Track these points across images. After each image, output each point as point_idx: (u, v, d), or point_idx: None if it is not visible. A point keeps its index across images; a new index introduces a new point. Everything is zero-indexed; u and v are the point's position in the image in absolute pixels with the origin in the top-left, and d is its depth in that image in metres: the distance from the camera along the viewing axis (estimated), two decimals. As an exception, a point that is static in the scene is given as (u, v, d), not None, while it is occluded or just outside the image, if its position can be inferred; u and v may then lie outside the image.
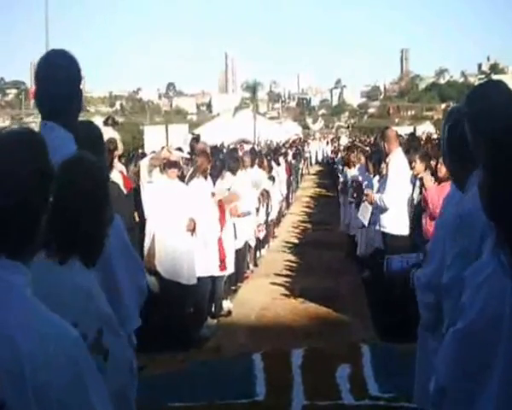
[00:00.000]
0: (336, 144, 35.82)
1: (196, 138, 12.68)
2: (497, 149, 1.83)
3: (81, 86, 2.90)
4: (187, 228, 7.01)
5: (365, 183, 9.53)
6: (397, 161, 7.29)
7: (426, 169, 7.05)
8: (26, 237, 1.61)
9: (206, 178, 7.66)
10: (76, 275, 2.15)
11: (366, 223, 8.75)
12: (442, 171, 6.41)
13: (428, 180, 6.63)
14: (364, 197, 8.29)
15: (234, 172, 9.24)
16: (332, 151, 34.05)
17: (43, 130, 2.60)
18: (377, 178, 8.71)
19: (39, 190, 1.62)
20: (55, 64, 2.78)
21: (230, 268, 8.31)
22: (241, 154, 11.69)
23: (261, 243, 12.18)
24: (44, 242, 1.77)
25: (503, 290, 1.79)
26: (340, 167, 18.54)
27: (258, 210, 10.90)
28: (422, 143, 14.13)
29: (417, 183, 7.30)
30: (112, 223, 2.40)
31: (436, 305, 2.92)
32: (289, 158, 22.18)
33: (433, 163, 7.06)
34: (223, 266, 7.87)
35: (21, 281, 1.58)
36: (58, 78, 2.74)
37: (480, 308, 1.83)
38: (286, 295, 9.01)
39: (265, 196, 11.40)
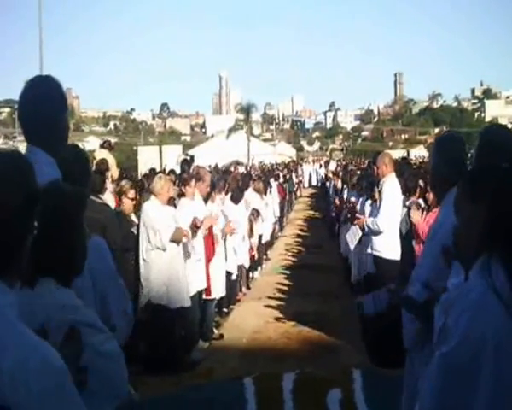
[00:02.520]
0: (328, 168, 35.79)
1: (187, 160, 12.68)
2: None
3: (66, 111, 2.84)
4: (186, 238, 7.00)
5: (358, 206, 9.53)
6: (391, 185, 7.29)
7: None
8: (10, 258, 1.62)
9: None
10: (50, 293, 2.12)
11: (352, 247, 8.72)
12: (430, 197, 6.39)
13: (416, 214, 6.52)
14: (355, 221, 8.27)
15: (236, 202, 9.33)
16: (325, 175, 34.08)
17: (26, 154, 2.58)
18: (369, 201, 8.69)
19: (25, 211, 1.63)
20: (36, 85, 2.77)
21: (220, 291, 8.28)
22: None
23: (254, 266, 12.15)
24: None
25: (487, 314, 1.81)
26: (331, 191, 18.56)
27: (252, 231, 10.89)
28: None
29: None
30: (88, 245, 2.37)
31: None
32: (281, 180, 22.20)
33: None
34: (208, 292, 7.87)
35: (1, 300, 1.56)
36: (37, 97, 2.72)
37: (463, 333, 1.83)
38: (278, 319, 8.98)
39: (255, 215, 11.37)
